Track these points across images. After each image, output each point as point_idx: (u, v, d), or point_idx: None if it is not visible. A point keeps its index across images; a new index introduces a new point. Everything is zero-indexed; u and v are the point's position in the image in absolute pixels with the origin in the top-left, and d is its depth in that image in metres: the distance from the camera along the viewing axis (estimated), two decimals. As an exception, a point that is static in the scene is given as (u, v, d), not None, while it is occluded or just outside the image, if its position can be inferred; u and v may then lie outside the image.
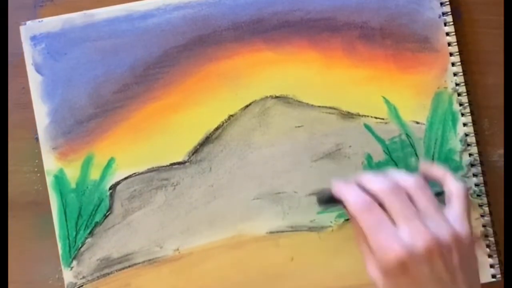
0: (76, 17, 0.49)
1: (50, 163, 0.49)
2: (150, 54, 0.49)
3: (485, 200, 0.49)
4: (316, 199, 0.46)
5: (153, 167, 0.49)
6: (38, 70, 0.49)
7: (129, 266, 0.49)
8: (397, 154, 0.49)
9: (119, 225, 0.49)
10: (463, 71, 0.49)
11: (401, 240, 0.37)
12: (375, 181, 0.40)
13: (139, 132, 0.49)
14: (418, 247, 0.37)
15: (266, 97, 0.49)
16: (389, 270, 0.37)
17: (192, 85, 0.49)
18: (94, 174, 0.49)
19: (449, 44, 0.49)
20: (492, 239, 0.49)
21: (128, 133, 0.49)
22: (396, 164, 0.49)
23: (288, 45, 0.49)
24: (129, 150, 0.49)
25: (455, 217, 0.40)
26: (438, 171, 0.43)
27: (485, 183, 0.49)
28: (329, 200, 0.43)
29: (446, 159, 0.49)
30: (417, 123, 0.49)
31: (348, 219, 0.49)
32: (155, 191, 0.49)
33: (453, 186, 0.41)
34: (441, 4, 0.49)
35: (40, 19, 0.49)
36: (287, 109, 0.49)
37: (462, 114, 0.49)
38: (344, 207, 0.41)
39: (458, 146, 0.49)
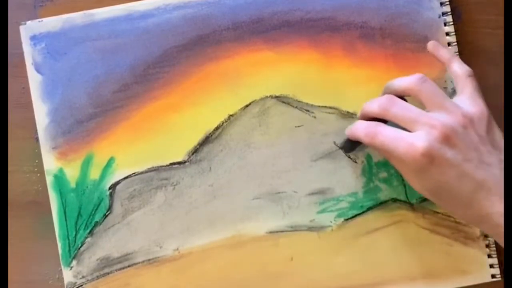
0: (76, 17, 0.49)
1: (50, 162, 0.49)
2: (150, 54, 0.49)
3: (485, 200, 0.49)
4: (341, 149, 0.48)
5: (153, 167, 0.49)
6: (38, 70, 0.49)
7: (128, 266, 0.49)
8: (397, 154, 0.49)
9: (119, 225, 0.49)
10: (463, 71, 0.49)
11: (417, 138, 0.39)
12: (371, 104, 0.43)
13: (139, 132, 0.49)
14: (434, 137, 0.39)
15: (266, 97, 0.49)
16: (419, 168, 0.39)
17: (192, 85, 0.49)
18: (94, 174, 0.49)
19: (449, 44, 0.49)
20: (492, 239, 0.49)
21: (128, 132, 0.49)
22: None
23: (288, 45, 0.49)
24: (129, 149, 0.49)
25: (466, 98, 0.42)
26: (444, 54, 0.45)
27: (485, 183, 0.49)
28: (351, 146, 0.47)
29: (446, 159, 0.49)
30: (417, 123, 0.49)
31: (348, 218, 0.49)
32: (154, 190, 0.49)
33: (459, 69, 0.43)
34: (441, 4, 0.49)
35: (40, 19, 0.49)
36: (287, 109, 0.49)
37: (462, 114, 0.49)
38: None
39: (458, 146, 0.49)
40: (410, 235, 0.49)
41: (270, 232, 0.49)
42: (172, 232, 0.49)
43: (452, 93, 0.49)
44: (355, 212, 0.49)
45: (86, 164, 0.49)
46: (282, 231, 0.49)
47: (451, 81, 0.49)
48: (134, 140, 0.49)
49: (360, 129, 0.43)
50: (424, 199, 0.49)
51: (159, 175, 0.49)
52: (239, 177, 0.49)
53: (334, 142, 0.48)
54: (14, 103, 0.50)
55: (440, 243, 0.49)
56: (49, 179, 0.49)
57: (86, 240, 0.49)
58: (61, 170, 0.49)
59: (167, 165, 0.49)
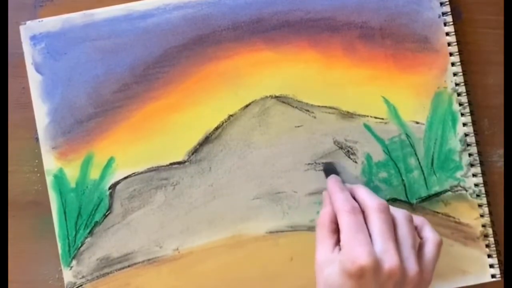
0: (76, 17, 0.49)
1: (50, 162, 0.49)
2: (150, 54, 0.49)
3: (484, 200, 0.49)
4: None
5: (152, 167, 0.49)
6: (38, 69, 0.49)
7: (128, 266, 0.49)
8: (397, 154, 0.49)
9: (118, 225, 0.49)
10: (463, 71, 0.49)
11: (373, 250, 0.38)
12: (370, 197, 0.42)
13: (139, 131, 0.49)
14: (383, 265, 0.38)
15: (266, 97, 0.49)
16: (348, 271, 0.38)
17: (192, 85, 0.49)
18: (94, 174, 0.49)
19: (449, 44, 0.49)
20: (492, 239, 0.49)
21: (128, 132, 0.49)
22: (395, 164, 0.49)
23: (288, 45, 0.49)
24: (129, 149, 0.49)
25: (427, 261, 0.41)
26: (417, 218, 0.44)
27: (485, 183, 0.49)
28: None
29: (446, 159, 0.49)
30: (417, 123, 0.49)
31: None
32: (154, 190, 0.49)
33: (433, 235, 0.42)
34: (441, 4, 0.49)
35: (40, 19, 0.49)
36: (287, 109, 0.49)
37: (462, 114, 0.49)
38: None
39: (458, 146, 0.49)
40: (410, 235, 0.49)
41: (270, 232, 0.49)
42: (172, 232, 0.49)
43: (452, 93, 0.49)
44: (355, 212, 0.49)
45: (86, 164, 0.49)
46: (282, 231, 0.49)
47: (451, 81, 0.49)
48: (134, 140, 0.49)
49: (342, 196, 0.42)
50: (424, 199, 0.49)
51: (159, 175, 0.49)
52: (239, 177, 0.49)
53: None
54: (14, 103, 0.50)
55: (440, 243, 0.49)
56: (49, 179, 0.49)
57: (86, 240, 0.49)
58: (61, 170, 0.49)
59: (167, 165, 0.49)
